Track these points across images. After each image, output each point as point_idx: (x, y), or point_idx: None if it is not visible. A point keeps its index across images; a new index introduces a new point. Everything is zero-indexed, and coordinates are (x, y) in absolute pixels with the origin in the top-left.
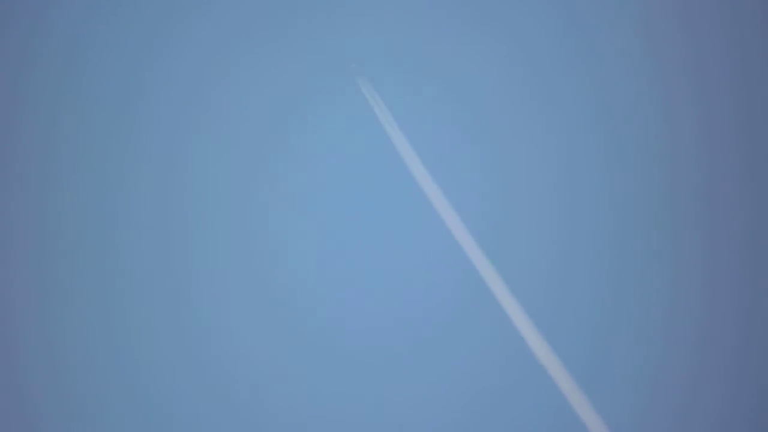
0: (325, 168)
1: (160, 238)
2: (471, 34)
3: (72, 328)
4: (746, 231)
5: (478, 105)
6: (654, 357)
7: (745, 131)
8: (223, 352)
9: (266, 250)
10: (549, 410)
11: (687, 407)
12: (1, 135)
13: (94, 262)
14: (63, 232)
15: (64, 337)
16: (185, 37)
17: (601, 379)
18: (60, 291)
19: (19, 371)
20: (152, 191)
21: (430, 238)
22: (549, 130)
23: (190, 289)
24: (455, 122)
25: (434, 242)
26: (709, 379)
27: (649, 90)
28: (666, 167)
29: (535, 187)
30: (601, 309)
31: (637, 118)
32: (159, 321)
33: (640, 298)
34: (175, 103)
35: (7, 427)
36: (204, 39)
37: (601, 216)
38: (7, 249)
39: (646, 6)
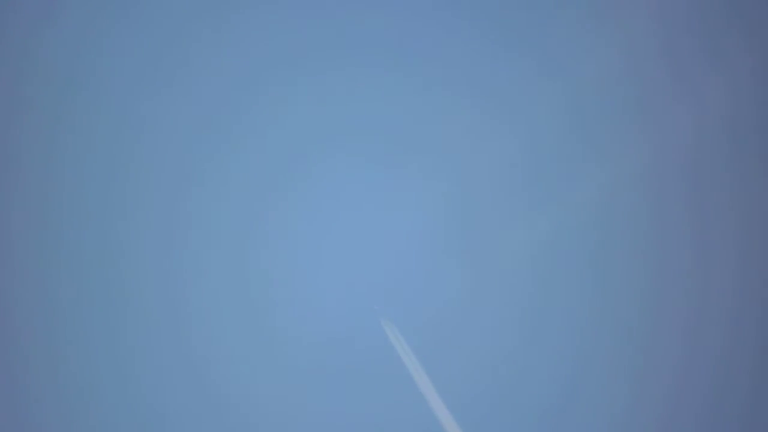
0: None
1: (161, 248)
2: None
3: (72, 332)
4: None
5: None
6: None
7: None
8: (217, 360)
9: (262, 271)
10: None
11: None
12: (6, 142)
13: (94, 268)
14: (65, 239)
15: (65, 341)
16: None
17: None
18: (61, 297)
19: (20, 372)
20: (155, 200)
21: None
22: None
23: (188, 297)
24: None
25: None
26: None
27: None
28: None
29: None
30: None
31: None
32: (157, 328)
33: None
34: (184, 104)
35: (6, 427)
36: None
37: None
38: (11, 255)
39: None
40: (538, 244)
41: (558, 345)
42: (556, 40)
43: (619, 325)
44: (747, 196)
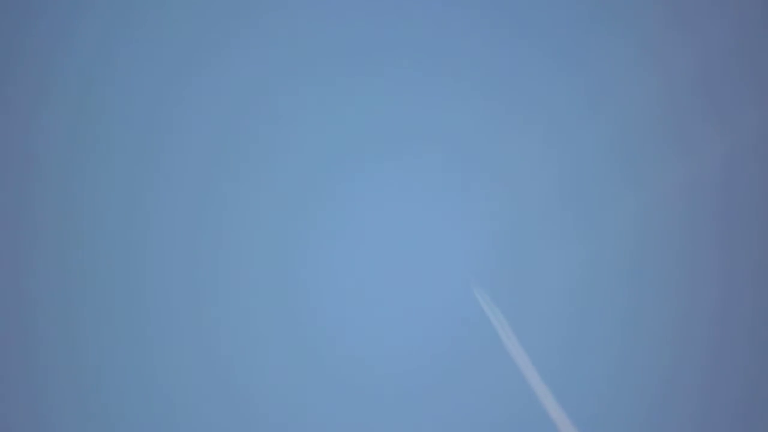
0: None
1: (184, 251)
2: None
3: (95, 339)
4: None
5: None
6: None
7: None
8: (238, 360)
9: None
10: None
11: None
12: (28, 148)
13: (113, 265)
14: (91, 243)
15: (87, 348)
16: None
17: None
18: (84, 304)
19: (39, 371)
20: (182, 202)
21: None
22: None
23: (217, 303)
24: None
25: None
26: None
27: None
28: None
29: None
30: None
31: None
32: (184, 334)
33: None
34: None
35: (25, 424)
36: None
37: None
38: (34, 259)
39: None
40: (577, 263)
41: (598, 357)
42: (603, 69)
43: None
44: None
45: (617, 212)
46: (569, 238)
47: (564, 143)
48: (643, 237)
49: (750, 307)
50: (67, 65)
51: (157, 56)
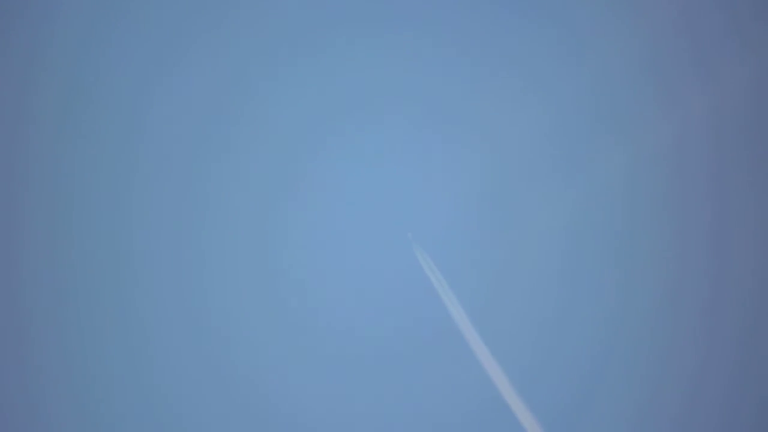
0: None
1: (175, 245)
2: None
3: (86, 331)
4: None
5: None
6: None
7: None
8: (232, 354)
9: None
10: None
11: None
12: (14, 141)
13: (108, 265)
14: (79, 238)
15: (79, 340)
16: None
17: None
18: (75, 294)
19: (33, 372)
20: (168, 197)
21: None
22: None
23: (203, 295)
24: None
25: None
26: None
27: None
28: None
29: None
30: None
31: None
32: (171, 324)
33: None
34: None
35: (21, 425)
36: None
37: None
38: (25, 256)
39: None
40: (565, 211)
41: (585, 309)
42: (584, 25)
43: (642, 293)
44: (766, 174)
45: (604, 159)
46: (557, 186)
47: (546, 95)
48: (631, 184)
49: (740, 252)
50: (51, 63)
51: (139, 48)
